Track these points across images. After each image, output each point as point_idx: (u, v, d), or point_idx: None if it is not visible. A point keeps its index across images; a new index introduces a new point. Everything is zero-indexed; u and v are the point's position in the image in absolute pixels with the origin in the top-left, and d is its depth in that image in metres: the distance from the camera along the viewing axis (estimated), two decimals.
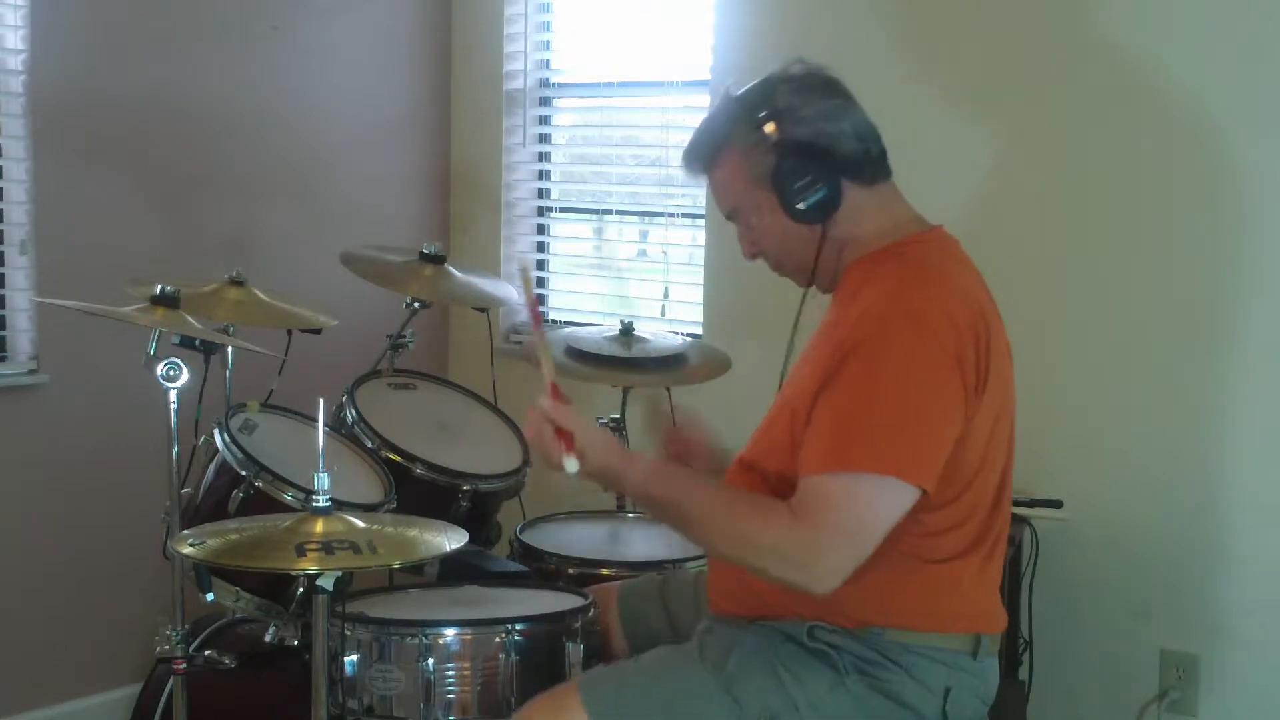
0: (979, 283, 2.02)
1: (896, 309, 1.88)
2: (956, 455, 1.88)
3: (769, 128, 1.95)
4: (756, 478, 2.00)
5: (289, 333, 2.92)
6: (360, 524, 1.98)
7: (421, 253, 3.14)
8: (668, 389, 3.21)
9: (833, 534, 1.81)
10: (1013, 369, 2.00)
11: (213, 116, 3.51)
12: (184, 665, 2.49)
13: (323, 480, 1.96)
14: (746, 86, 2.02)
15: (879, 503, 1.83)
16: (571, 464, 1.91)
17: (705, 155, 2.05)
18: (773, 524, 1.85)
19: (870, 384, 1.85)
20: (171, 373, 2.38)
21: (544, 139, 4.05)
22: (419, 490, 2.76)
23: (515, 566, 2.67)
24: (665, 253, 3.80)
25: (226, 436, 2.56)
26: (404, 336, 3.10)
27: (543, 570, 2.66)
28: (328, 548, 1.89)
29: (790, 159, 1.95)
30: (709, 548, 2.03)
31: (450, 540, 2.00)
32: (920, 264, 1.97)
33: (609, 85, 3.89)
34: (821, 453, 1.85)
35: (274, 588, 2.51)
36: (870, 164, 2.00)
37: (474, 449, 2.96)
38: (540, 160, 4.04)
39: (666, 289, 3.74)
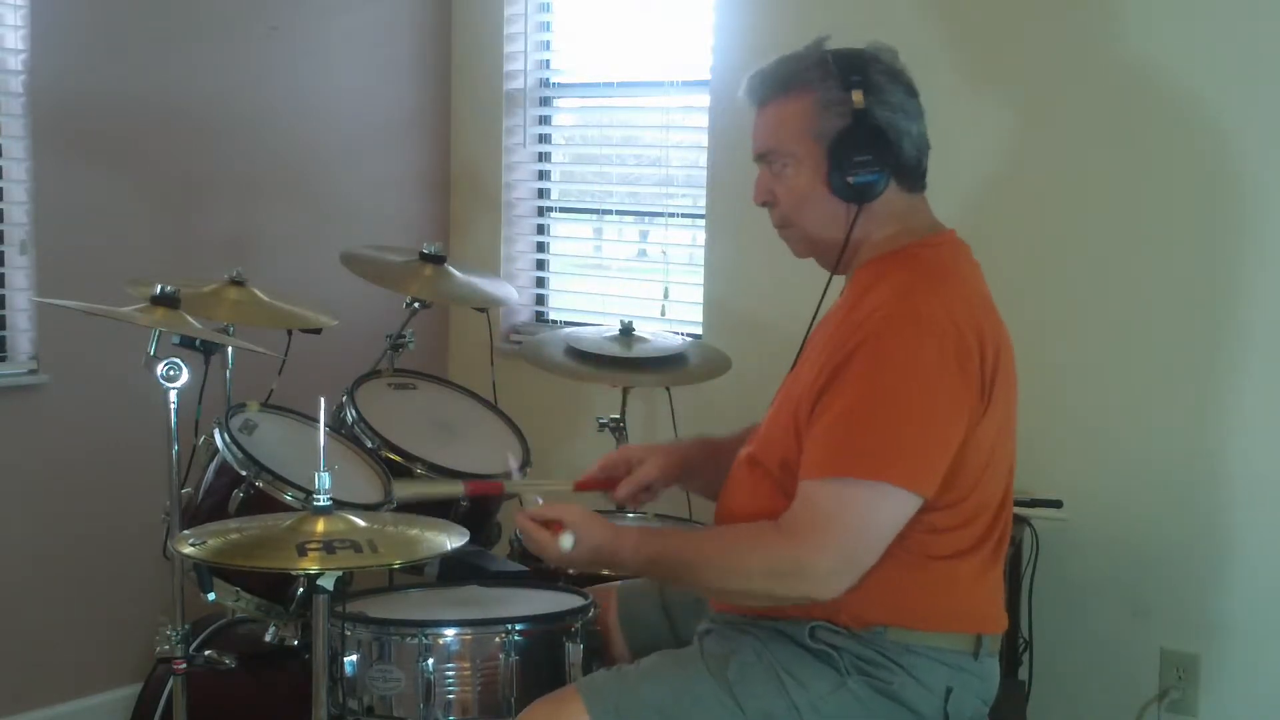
0: (986, 290, 2.02)
1: (902, 311, 1.88)
2: (961, 459, 1.88)
3: (856, 95, 1.94)
4: (762, 473, 2.01)
5: (289, 333, 2.92)
6: (361, 523, 1.98)
7: (421, 253, 3.14)
8: (668, 389, 3.21)
9: (822, 540, 1.83)
10: (1016, 375, 2.01)
11: (213, 116, 3.51)
12: (184, 665, 2.49)
13: (324, 479, 1.96)
14: (842, 48, 2.00)
15: (874, 509, 1.84)
16: (567, 539, 1.95)
17: (777, 86, 2.00)
18: (762, 544, 1.87)
19: (871, 387, 1.85)
20: (171, 373, 2.38)
21: (544, 139, 4.05)
22: None
23: (515, 566, 2.67)
24: (665, 253, 3.80)
25: (226, 436, 2.56)
26: (404, 336, 3.10)
27: (543, 570, 2.66)
28: (329, 547, 1.88)
29: (861, 132, 1.94)
30: (714, 588, 2.01)
31: (450, 540, 2.00)
32: (930, 267, 1.97)
33: (609, 85, 3.89)
34: (820, 457, 1.86)
35: (274, 588, 2.51)
36: (917, 174, 2.02)
37: (474, 449, 2.96)
38: (540, 160, 4.04)
39: (666, 289, 3.74)
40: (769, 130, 2.02)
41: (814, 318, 2.08)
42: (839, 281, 2.09)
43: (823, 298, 2.08)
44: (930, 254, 1.99)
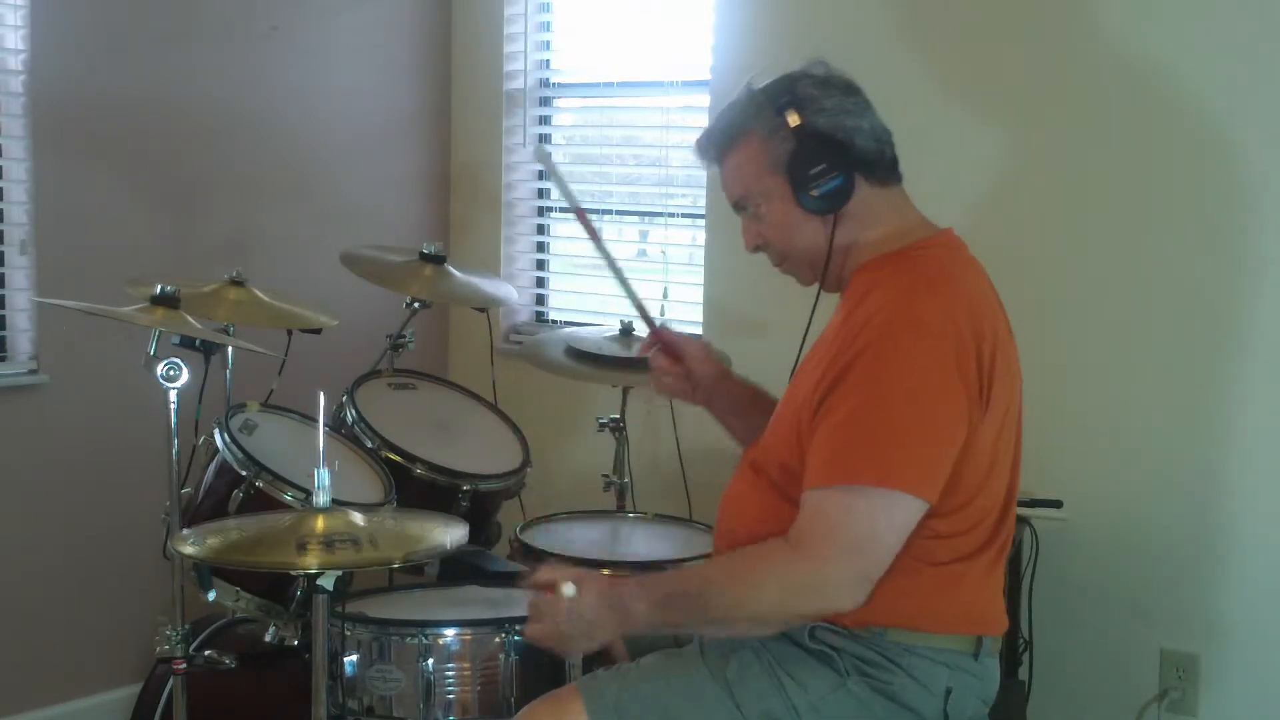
0: (988, 286, 2.02)
1: (901, 316, 1.88)
2: (963, 462, 1.88)
3: (790, 115, 1.96)
4: (764, 478, 2.01)
5: (289, 333, 2.92)
6: (361, 520, 1.98)
7: (421, 253, 3.14)
8: None
9: (834, 551, 1.82)
10: (1019, 375, 2.01)
11: (213, 116, 3.51)
12: (184, 665, 2.49)
13: (323, 476, 1.96)
14: (768, 80, 2.02)
15: (880, 516, 1.83)
16: (568, 587, 1.93)
17: (722, 141, 2.05)
18: (772, 562, 1.86)
19: (873, 394, 1.84)
20: (171, 373, 2.38)
21: (544, 139, 4.05)
22: (419, 490, 2.76)
23: (515, 566, 2.67)
24: (665, 253, 3.80)
25: (226, 436, 2.56)
26: (404, 336, 3.10)
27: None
28: (329, 544, 1.88)
29: (808, 146, 1.95)
30: (730, 617, 1.91)
31: (451, 535, 2.00)
32: (927, 269, 1.96)
33: (609, 85, 3.89)
34: (823, 465, 1.85)
35: (274, 587, 2.51)
36: (884, 164, 2.01)
37: (474, 449, 2.96)
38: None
39: (666, 289, 3.74)
40: (733, 181, 2.06)
41: (808, 326, 2.08)
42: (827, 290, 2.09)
43: (815, 305, 2.08)
44: (926, 255, 1.99)
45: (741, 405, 2.30)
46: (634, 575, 1.99)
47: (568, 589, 1.93)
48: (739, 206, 2.07)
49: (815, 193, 1.96)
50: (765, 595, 1.86)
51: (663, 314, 3.73)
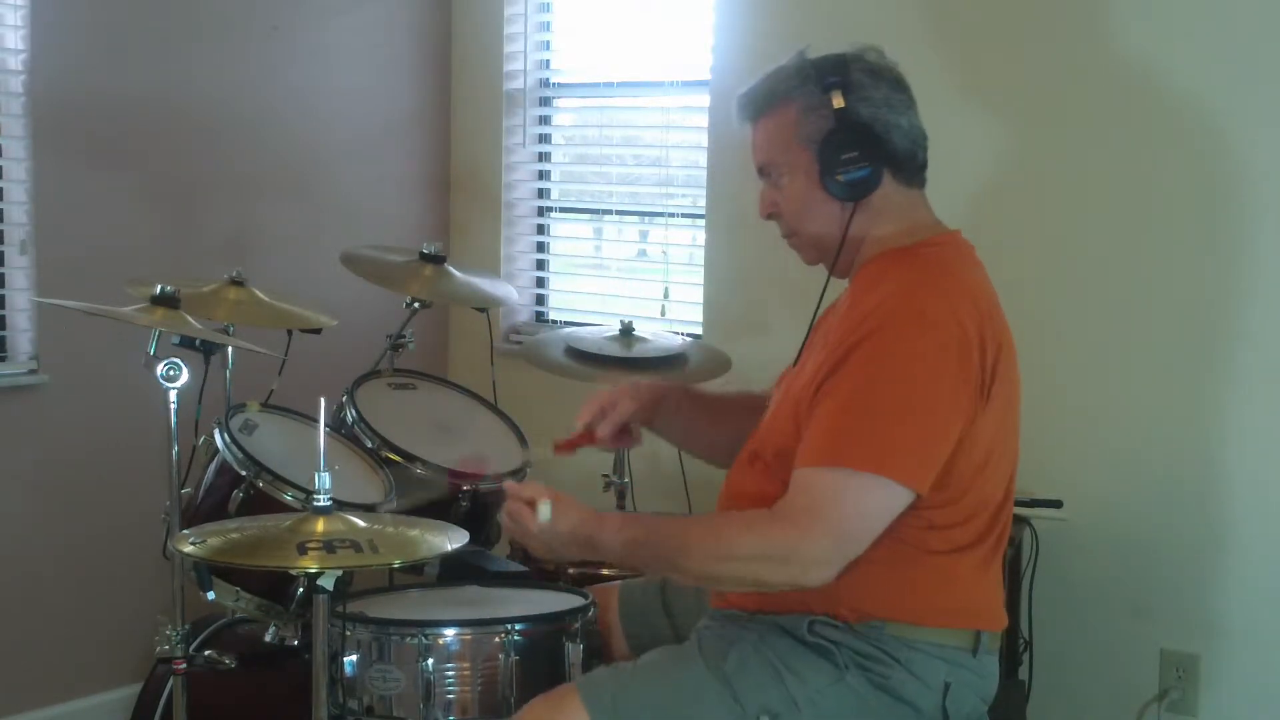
0: (992, 290, 2.03)
1: (905, 307, 1.89)
2: (958, 455, 1.89)
3: (835, 96, 1.96)
4: (761, 466, 2.01)
5: (289, 333, 2.92)
6: (361, 523, 1.98)
7: (421, 253, 3.14)
8: None
9: (812, 526, 1.84)
10: (1018, 374, 2.01)
11: (213, 116, 3.51)
12: (184, 665, 2.49)
13: (324, 480, 1.96)
14: (822, 55, 2.03)
15: (866, 501, 1.85)
16: (544, 508, 1.94)
17: (762, 102, 2.04)
18: (754, 529, 1.88)
19: (871, 380, 1.86)
20: (171, 373, 2.38)
21: (544, 139, 4.05)
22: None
23: (515, 566, 2.68)
24: (665, 253, 3.80)
25: (226, 436, 2.56)
26: (404, 336, 3.10)
27: (543, 570, 2.66)
28: (329, 547, 1.89)
29: (845, 131, 1.96)
30: (699, 572, 1.96)
31: (451, 540, 2.00)
32: (934, 265, 1.98)
33: (609, 85, 3.89)
34: (817, 446, 1.87)
35: (274, 588, 2.51)
36: (913, 165, 2.03)
37: (474, 449, 2.95)
38: (540, 160, 4.04)
39: (666, 289, 3.74)
40: (762, 145, 2.06)
41: (815, 313, 2.09)
42: (835, 283, 2.10)
43: (823, 294, 2.08)
44: (934, 253, 2.00)
45: (710, 411, 2.31)
46: (613, 513, 2.01)
47: (543, 510, 1.94)
48: (762, 171, 2.08)
49: (841, 178, 1.97)
50: (740, 560, 1.88)
51: (663, 314, 3.73)
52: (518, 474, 2.96)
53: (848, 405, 1.86)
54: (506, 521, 2.02)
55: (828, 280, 2.09)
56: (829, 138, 1.97)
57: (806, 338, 2.11)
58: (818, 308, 2.09)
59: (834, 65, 2.00)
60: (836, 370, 1.88)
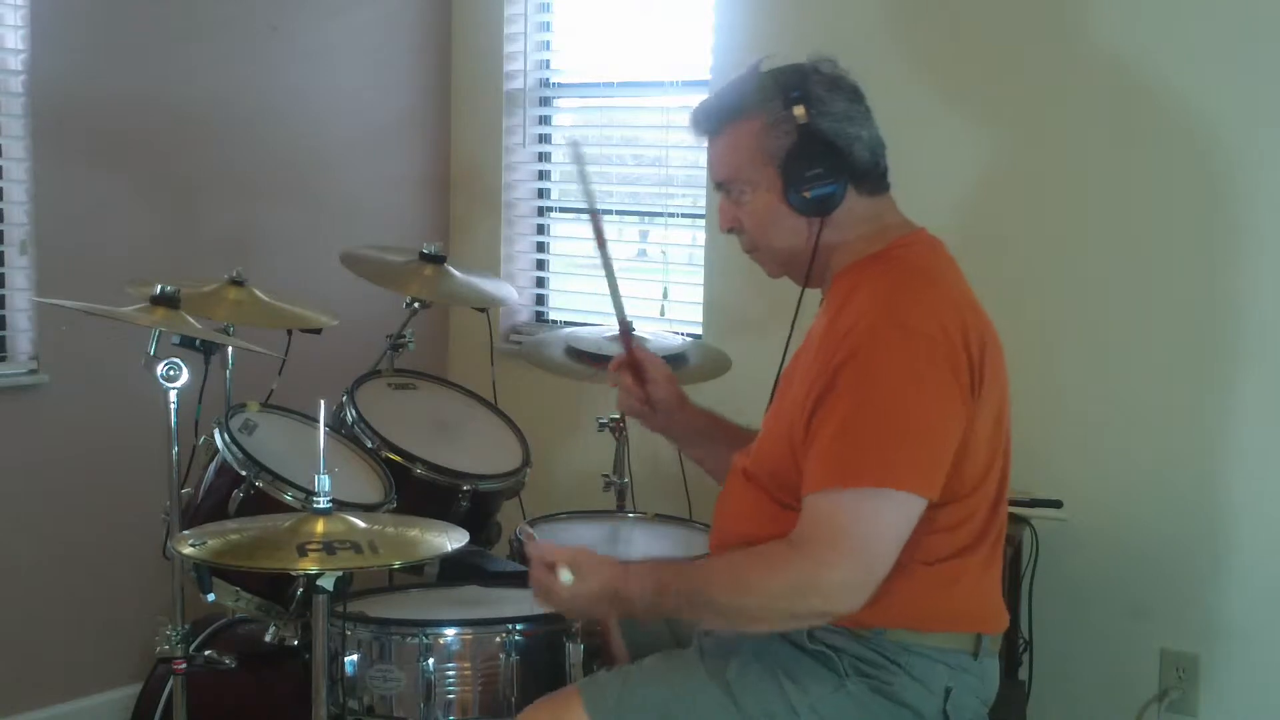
0: (967, 285, 2.01)
1: (885, 318, 1.87)
2: (962, 458, 1.88)
3: (798, 110, 1.94)
4: (756, 485, 2.01)
5: (289, 333, 2.92)
6: (361, 524, 1.98)
7: (421, 253, 3.14)
8: None
9: (837, 554, 1.80)
10: (1005, 366, 2.00)
11: (213, 116, 3.51)
12: (184, 665, 2.49)
13: (324, 481, 1.96)
14: (779, 66, 2.00)
15: (885, 516, 1.83)
16: (565, 574, 1.92)
17: (722, 117, 2.01)
18: (776, 563, 1.84)
19: (867, 396, 1.84)
20: (171, 373, 2.38)
21: (544, 139, 4.05)
22: (419, 490, 2.76)
23: (515, 566, 2.67)
24: (665, 253, 3.80)
25: (226, 436, 2.56)
26: (404, 336, 3.10)
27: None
28: (329, 548, 1.89)
29: (809, 146, 1.94)
30: (729, 614, 1.91)
31: (451, 540, 2.00)
32: (908, 268, 1.96)
33: (609, 85, 3.89)
34: (823, 469, 1.85)
35: (274, 588, 2.51)
36: (875, 176, 2.01)
37: (474, 449, 2.96)
38: (540, 160, 4.04)
39: (666, 289, 3.74)
40: (722, 160, 2.03)
41: (790, 332, 2.07)
42: (813, 294, 2.09)
43: (797, 311, 2.07)
44: (906, 255, 1.99)
45: (701, 433, 2.31)
46: (636, 563, 1.97)
47: (564, 576, 1.91)
48: (722, 187, 2.05)
49: (807, 194, 1.95)
50: (766, 596, 1.84)
51: (663, 314, 3.73)
52: (518, 474, 2.96)
53: (845, 427, 1.84)
54: (534, 589, 1.98)
55: (801, 294, 2.07)
56: (793, 153, 1.94)
57: (783, 357, 2.09)
58: (793, 325, 2.07)
59: (795, 78, 1.98)
60: (828, 392, 1.86)
